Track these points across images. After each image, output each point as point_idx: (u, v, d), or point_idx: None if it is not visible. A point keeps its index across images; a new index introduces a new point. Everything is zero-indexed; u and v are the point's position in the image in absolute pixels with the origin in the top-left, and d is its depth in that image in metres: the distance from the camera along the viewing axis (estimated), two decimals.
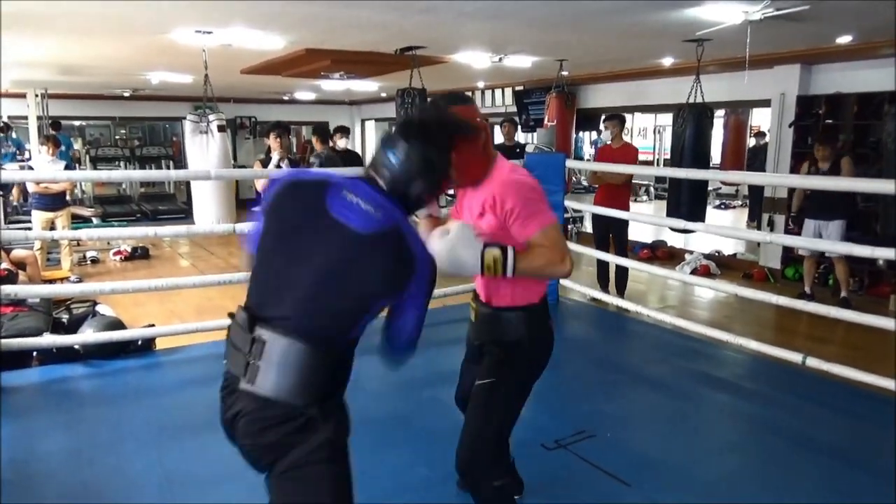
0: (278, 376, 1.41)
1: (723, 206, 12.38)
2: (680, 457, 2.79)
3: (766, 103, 7.16)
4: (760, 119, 11.77)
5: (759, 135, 10.25)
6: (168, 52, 6.27)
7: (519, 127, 8.96)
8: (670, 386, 3.76)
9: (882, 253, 3.48)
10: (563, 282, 5.31)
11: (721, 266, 7.35)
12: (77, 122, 13.53)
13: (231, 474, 2.69)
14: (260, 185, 5.30)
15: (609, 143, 6.12)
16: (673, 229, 6.06)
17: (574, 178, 12.45)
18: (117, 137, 14.14)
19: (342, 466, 1.50)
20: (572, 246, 5.56)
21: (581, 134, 11.37)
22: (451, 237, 1.79)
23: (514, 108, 10.20)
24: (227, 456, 2.55)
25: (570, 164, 5.51)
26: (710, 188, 9.30)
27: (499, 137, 7.85)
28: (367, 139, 15.53)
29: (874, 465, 2.88)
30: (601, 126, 9.71)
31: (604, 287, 5.88)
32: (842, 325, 4.12)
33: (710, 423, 3.40)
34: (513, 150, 6.95)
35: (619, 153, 5.83)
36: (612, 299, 5.23)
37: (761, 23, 4.41)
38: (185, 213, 11.61)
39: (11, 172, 6.40)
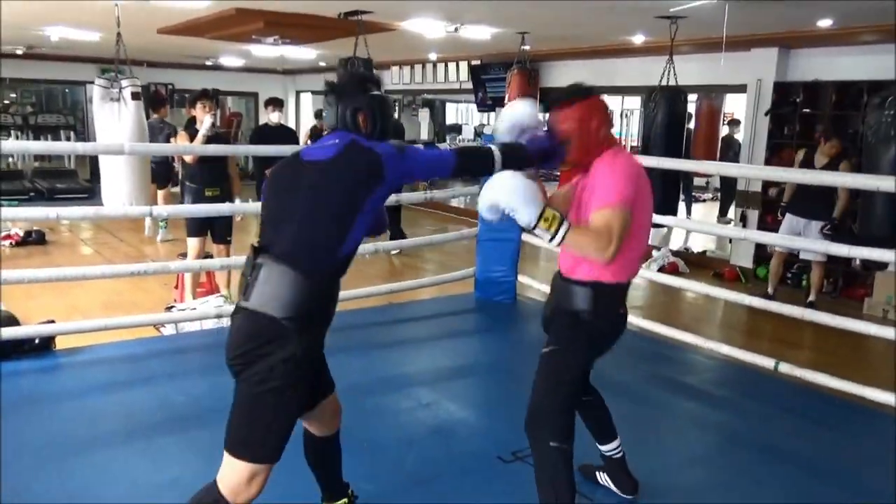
0: (263, 292, 1.88)
1: (693, 199, 12.73)
2: (643, 469, 2.88)
3: (741, 89, 7.41)
4: (733, 106, 12.18)
5: (733, 122, 10.60)
6: (72, 3, 6.05)
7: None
8: (634, 392, 3.87)
9: (859, 252, 3.67)
10: (520, 278, 5.39)
11: (690, 264, 7.59)
12: None
13: (146, 494, 2.66)
14: (189, 159, 5.19)
15: None
16: None
17: None
18: (7, 102, 13.55)
19: (294, 388, 1.91)
20: (529, 239, 5.65)
21: (543, 116, 11.53)
22: (516, 180, 2.07)
23: (469, 84, 10.26)
24: (141, 474, 2.52)
25: None
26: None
27: None
28: (301, 113, 15.33)
29: (846, 476, 3.04)
30: None
31: None
32: (815, 328, 4.33)
33: (676, 433, 3.52)
34: None
35: None
36: None
37: (739, 2, 4.57)
38: (87, 193, 11.25)
39: None
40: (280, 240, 1.93)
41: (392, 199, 5.46)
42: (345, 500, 2.43)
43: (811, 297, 6.03)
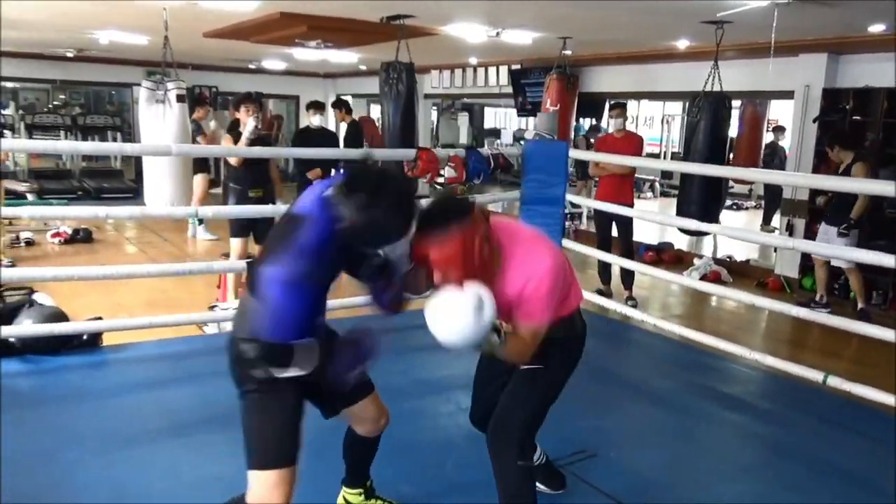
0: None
1: (735, 207, 12.55)
2: (686, 480, 2.84)
3: (788, 95, 7.26)
4: (778, 112, 11.96)
5: (778, 129, 10.40)
6: (123, 7, 6.19)
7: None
8: (677, 402, 3.82)
9: (888, 260, 3.55)
10: None
11: (733, 273, 7.45)
12: (9, 84, 13.28)
13: (186, 485, 2.70)
14: (233, 161, 5.27)
15: (611, 131, 6.19)
16: (683, 230, 6.12)
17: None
18: (56, 103, 13.91)
19: (275, 392, 1.94)
20: (570, 245, 5.61)
21: (581, 121, 11.44)
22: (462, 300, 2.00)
23: (509, 89, 10.24)
24: (182, 466, 2.56)
25: (574, 153, 5.55)
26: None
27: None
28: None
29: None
30: (607, 113, 9.80)
31: (605, 281, 6.08)
32: (863, 341, 4.21)
33: (720, 444, 3.46)
34: None
35: (623, 143, 5.92)
36: (614, 305, 5.28)
37: (789, 6, 4.48)
38: (132, 192, 11.48)
39: None
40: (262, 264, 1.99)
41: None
42: (361, 489, 2.51)
43: (860, 305, 5.89)
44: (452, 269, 2.01)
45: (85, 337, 4.07)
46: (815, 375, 3.77)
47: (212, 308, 5.23)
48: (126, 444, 3.03)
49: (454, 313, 1.99)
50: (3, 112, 12.49)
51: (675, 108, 15.68)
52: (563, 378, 2.41)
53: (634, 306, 5.66)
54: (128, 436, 3.10)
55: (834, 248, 5.45)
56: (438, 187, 8.33)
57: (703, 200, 5.97)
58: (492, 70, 10.52)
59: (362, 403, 2.27)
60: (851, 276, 5.96)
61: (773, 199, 9.77)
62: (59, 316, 4.13)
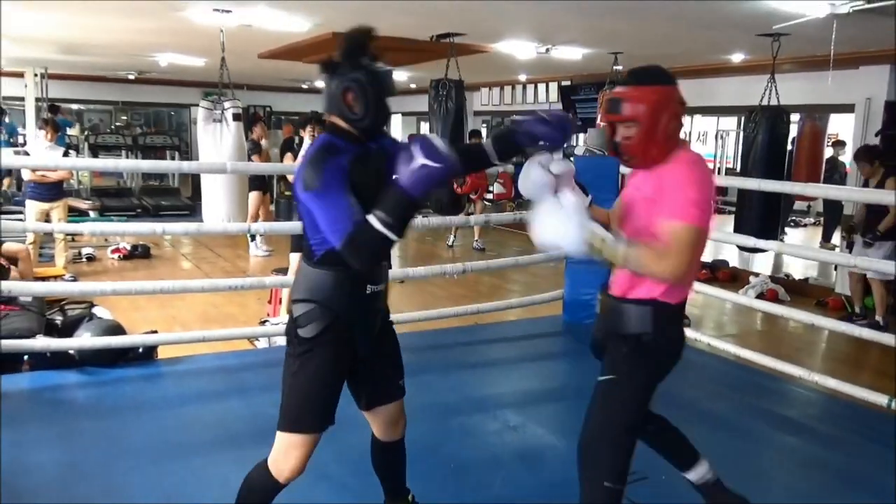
0: None
1: (793, 224, 12.21)
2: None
3: (848, 108, 7.06)
4: (837, 126, 11.61)
5: (838, 144, 10.10)
6: (181, 31, 6.40)
7: None
8: (733, 424, 3.70)
9: None
10: None
11: (790, 291, 7.23)
12: (74, 106, 13.85)
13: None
14: (291, 178, 5.40)
15: None
16: (741, 248, 5.98)
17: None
18: (118, 124, 14.42)
19: (309, 358, 2.02)
20: None
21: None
22: (549, 213, 1.94)
23: (559, 105, 10.20)
24: (232, 478, 2.58)
25: (624, 169, 5.48)
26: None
27: None
28: (392, 134, 15.60)
29: None
30: None
31: None
32: None
33: (777, 469, 3.33)
34: None
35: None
36: None
37: (848, 17, 4.35)
38: (189, 210, 11.80)
39: (9, 158, 6.52)
40: None
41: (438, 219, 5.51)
42: None
43: (877, 317, 5.92)
44: (634, 128, 2.00)
45: (141, 350, 4.17)
46: (880, 399, 3.61)
47: (263, 323, 5.30)
48: (179, 454, 3.08)
49: (550, 214, 1.95)
50: (68, 133, 13.02)
51: (730, 123, 15.36)
52: (643, 393, 2.13)
53: (688, 325, 5.54)
54: (181, 447, 3.16)
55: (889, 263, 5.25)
56: (487, 203, 8.33)
57: (761, 217, 5.82)
58: (541, 86, 10.52)
59: (393, 405, 2.28)
60: (874, 285, 6.00)
61: (832, 215, 9.46)
62: (117, 329, 4.25)
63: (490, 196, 5.16)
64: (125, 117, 14.55)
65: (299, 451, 2.02)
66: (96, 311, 4.70)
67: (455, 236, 9.38)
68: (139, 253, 8.11)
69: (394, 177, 1.82)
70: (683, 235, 1.90)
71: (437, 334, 4.94)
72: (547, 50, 6.82)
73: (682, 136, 2.07)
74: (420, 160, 1.77)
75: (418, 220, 6.07)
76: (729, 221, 7.28)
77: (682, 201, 1.93)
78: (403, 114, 15.09)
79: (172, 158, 13.41)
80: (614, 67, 7.63)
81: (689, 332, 4.85)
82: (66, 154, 8.11)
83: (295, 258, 5.40)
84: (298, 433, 2.02)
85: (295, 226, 5.20)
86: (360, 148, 1.98)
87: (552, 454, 3.29)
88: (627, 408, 2.10)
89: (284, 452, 2.02)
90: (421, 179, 1.78)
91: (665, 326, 2.08)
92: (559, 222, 1.92)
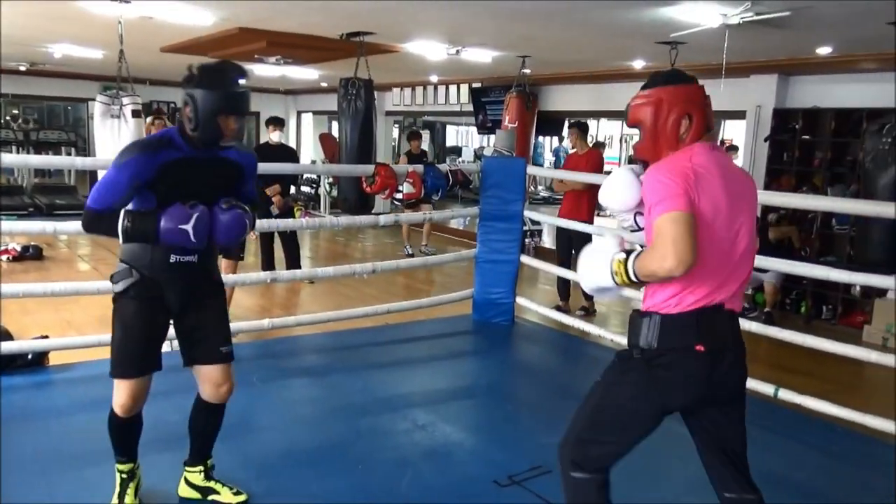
0: None
1: None
2: (644, 497, 2.84)
3: (740, 115, 7.44)
4: (731, 132, 12.25)
5: (731, 148, 10.64)
6: (77, 20, 6.09)
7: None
8: None
9: (859, 279, 3.65)
10: (519, 300, 5.36)
11: None
12: None
13: None
14: None
15: (574, 150, 6.41)
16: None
17: (532, 188, 12.61)
18: (8, 118, 13.59)
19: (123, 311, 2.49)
20: (529, 261, 5.64)
21: (541, 139, 11.56)
22: (585, 255, 2.01)
23: (469, 107, 10.30)
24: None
25: (531, 170, 5.60)
26: None
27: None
28: (302, 133, 15.39)
29: None
30: (565, 132, 9.93)
31: (564, 297, 6.29)
32: (815, 356, 4.28)
33: (678, 460, 3.46)
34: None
35: (585, 160, 6.15)
36: (571, 321, 5.31)
37: (739, 27, 4.59)
38: None
39: None
40: None
41: (315, 221, 5.49)
42: (201, 467, 2.70)
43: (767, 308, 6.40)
44: (644, 127, 2.02)
45: (30, 356, 3.94)
46: (766, 388, 3.82)
47: None
48: (70, 465, 2.94)
49: (592, 262, 1.99)
50: None
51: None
52: (629, 400, 1.99)
53: (594, 313, 5.85)
54: (73, 457, 3.00)
55: (780, 262, 5.57)
56: (397, 203, 8.32)
57: None
58: (452, 88, 10.59)
59: (216, 368, 2.52)
60: (767, 286, 6.46)
61: None
62: (3, 334, 3.99)
63: (399, 196, 5.14)
64: (16, 111, 13.72)
65: (126, 391, 2.44)
66: None
67: (409, 245, 9.11)
68: (30, 254, 7.67)
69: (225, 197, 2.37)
70: (667, 226, 1.80)
71: (347, 335, 4.89)
72: (457, 52, 6.87)
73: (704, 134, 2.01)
74: (166, 225, 2.24)
75: (328, 220, 6.02)
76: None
77: (648, 197, 1.89)
78: (315, 113, 14.89)
79: (69, 155, 12.74)
80: (522, 70, 7.78)
81: (594, 329, 4.98)
82: None
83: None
84: (120, 378, 2.44)
85: None
86: (192, 152, 2.33)
87: (459, 450, 3.31)
88: (606, 406, 2.03)
89: (116, 392, 2.47)
90: (165, 236, 2.24)
91: (669, 338, 1.92)
92: (586, 259, 1.99)
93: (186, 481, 2.71)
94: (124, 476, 2.62)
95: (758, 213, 4.98)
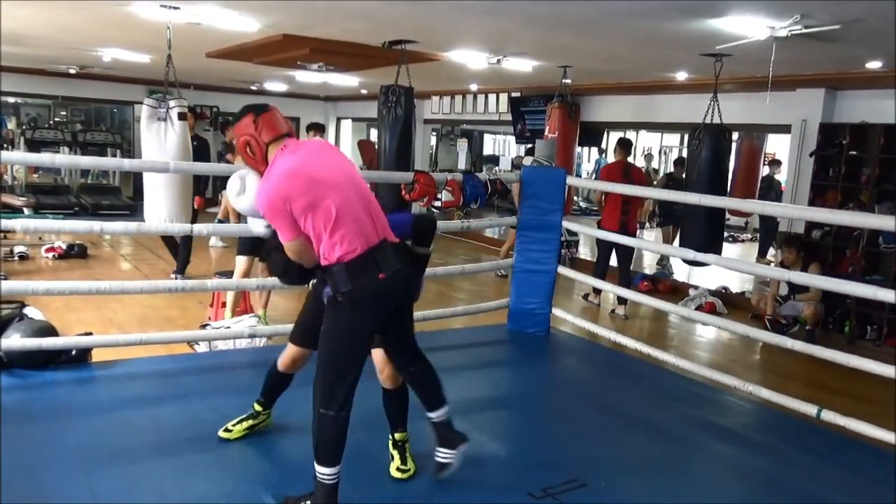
0: None
1: (731, 239, 12.57)
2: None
3: (784, 129, 7.32)
4: (774, 146, 12.05)
5: (774, 163, 10.47)
6: (126, 26, 6.24)
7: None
8: (670, 433, 3.78)
9: (884, 295, 3.56)
10: (555, 311, 5.33)
11: (728, 304, 7.44)
12: (11, 99, 13.35)
13: None
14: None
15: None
16: (684, 261, 6.12)
17: (574, 198, 12.53)
18: (57, 119, 13.96)
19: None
20: (566, 272, 5.60)
21: (580, 149, 11.50)
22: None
23: (508, 116, 10.30)
24: (167, 485, 2.52)
25: (572, 181, 5.57)
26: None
27: None
28: (341, 139, 15.54)
29: None
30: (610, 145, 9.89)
31: (596, 292, 6.71)
32: (857, 376, 4.18)
33: (713, 477, 3.41)
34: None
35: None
36: (608, 333, 5.26)
37: (787, 40, 4.52)
38: (129, 210, 11.48)
39: None
40: None
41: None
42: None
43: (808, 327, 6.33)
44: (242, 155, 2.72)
45: (74, 352, 4.02)
46: (810, 409, 3.74)
47: (203, 327, 5.19)
48: (112, 461, 2.98)
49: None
50: (5, 126, 12.53)
51: (673, 139, 15.79)
52: (344, 327, 2.53)
53: (626, 318, 5.87)
54: (114, 453, 3.05)
55: (824, 279, 5.45)
56: (436, 211, 8.34)
57: (704, 231, 5.91)
58: (492, 97, 10.61)
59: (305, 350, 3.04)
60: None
61: (768, 232, 9.80)
62: (49, 330, 4.08)
63: (438, 203, 5.14)
64: (64, 113, 14.09)
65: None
66: (27, 311, 4.51)
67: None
68: (75, 252, 7.86)
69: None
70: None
71: None
72: (498, 61, 6.88)
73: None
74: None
75: None
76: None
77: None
78: (354, 119, 15.03)
79: (114, 156, 13.04)
80: (563, 80, 7.75)
81: (630, 343, 4.93)
82: (1, 148, 7.81)
83: (241, 261, 5.30)
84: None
85: (242, 228, 5.11)
86: None
87: (493, 460, 3.29)
88: (331, 342, 2.55)
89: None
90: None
91: (354, 279, 2.50)
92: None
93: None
94: (252, 412, 3.16)
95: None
